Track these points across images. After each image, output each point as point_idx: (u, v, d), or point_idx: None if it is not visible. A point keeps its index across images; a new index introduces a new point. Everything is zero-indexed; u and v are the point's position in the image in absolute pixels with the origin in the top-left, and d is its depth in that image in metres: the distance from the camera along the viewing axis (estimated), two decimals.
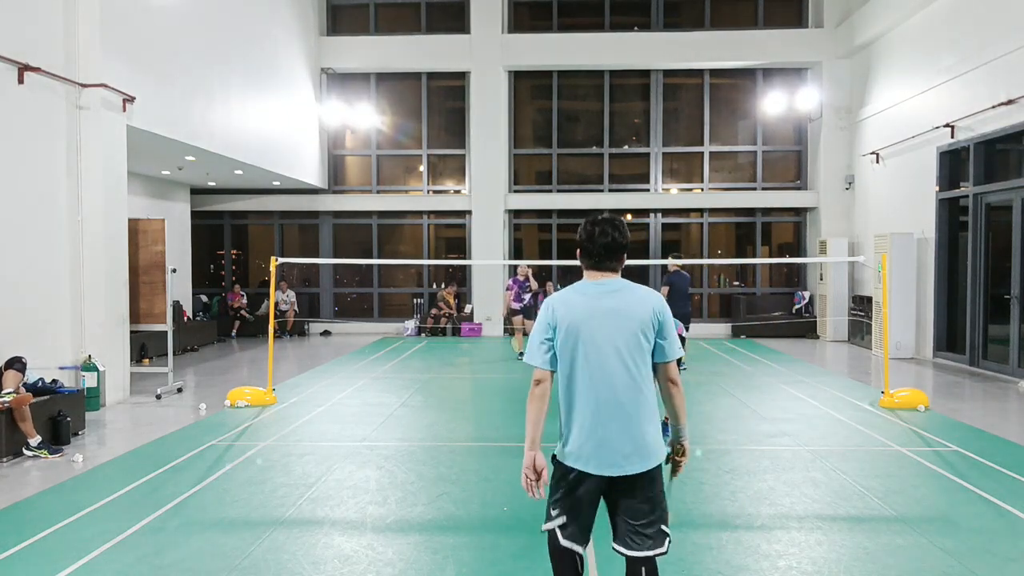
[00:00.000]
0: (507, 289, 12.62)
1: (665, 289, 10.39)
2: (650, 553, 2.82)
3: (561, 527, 2.91)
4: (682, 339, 10.14)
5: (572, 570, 2.91)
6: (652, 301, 2.92)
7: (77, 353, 8.37)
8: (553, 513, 2.94)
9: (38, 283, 7.84)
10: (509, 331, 15.38)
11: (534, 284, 12.47)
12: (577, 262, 3.10)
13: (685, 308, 10.27)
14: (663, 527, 2.87)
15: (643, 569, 2.82)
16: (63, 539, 4.51)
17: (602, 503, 2.96)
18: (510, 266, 12.72)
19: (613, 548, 2.90)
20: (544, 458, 2.94)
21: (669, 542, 2.88)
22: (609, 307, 2.89)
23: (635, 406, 2.84)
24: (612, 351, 2.85)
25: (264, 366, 10.54)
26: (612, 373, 2.84)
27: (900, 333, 12.44)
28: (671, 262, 10.70)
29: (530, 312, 12.51)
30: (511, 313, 12.52)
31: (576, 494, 2.88)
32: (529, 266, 12.49)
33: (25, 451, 6.43)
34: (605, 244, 2.98)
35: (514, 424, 7.68)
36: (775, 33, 15.96)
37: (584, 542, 2.92)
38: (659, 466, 2.89)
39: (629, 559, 2.84)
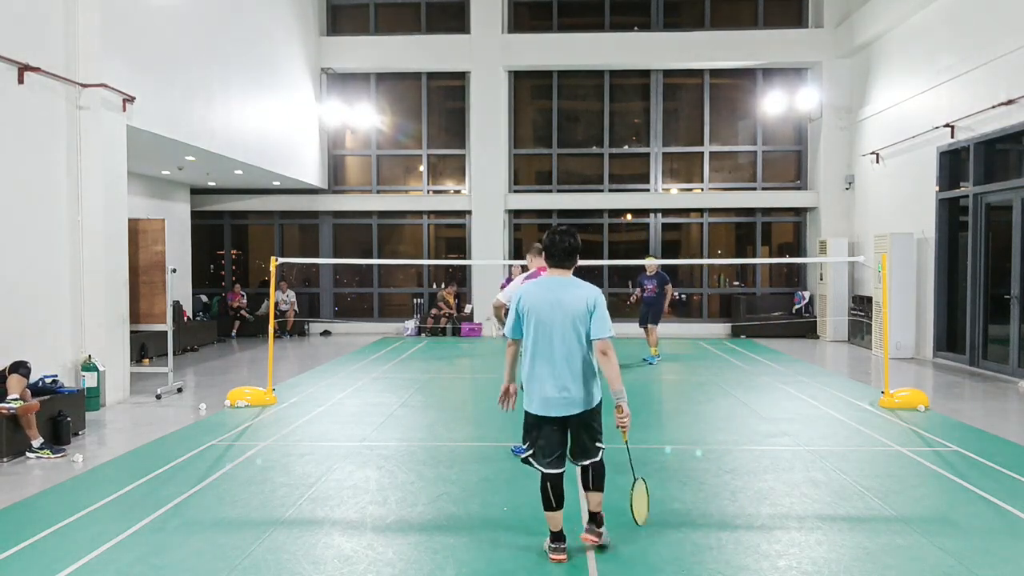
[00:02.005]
0: (502, 288, 12.41)
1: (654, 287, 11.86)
2: (587, 462, 4.20)
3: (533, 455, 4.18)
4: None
5: (557, 487, 4.13)
6: (587, 295, 4.04)
7: (77, 353, 8.37)
8: (524, 445, 4.24)
9: (38, 283, 7.84)
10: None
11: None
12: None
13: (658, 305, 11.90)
14: (598, 445, 4.18)
15: (589, 471, 4.21)
16: (63, 539, 4.51)
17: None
18: (509, 266, 12.68)
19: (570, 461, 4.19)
20: (516, 386, 4.29)
21: (602, 452, 4.20)
22: (557, 298, 4.03)
23: (565, 368, 4.01)
24: (556, 329, 4.02)
25: (264, 366, 10.54)
26: (554, 345, 4.02)
27: (900, 333, 12.43)
28: (651, 263, 12.08)
29: None
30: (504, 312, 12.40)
31: (540, 430, 4.12)
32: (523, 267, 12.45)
33: (28, 453, 6.44)
34: (564, 248, 4.11)
35: (514, 424, 7.65)
36: (775, 33, 15.96)
37: (558, 465, 4.14)
38: (589, 410, 4.08)
39: (580, 467, 4.23)
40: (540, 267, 12.35)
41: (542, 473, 4.12)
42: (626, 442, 4.23)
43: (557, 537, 4.16)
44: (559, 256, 4.11)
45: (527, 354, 4.10)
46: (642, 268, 12.28)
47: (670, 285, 12.10)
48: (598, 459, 4.18)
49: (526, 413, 4.17)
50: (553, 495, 4.11)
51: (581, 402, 4.03)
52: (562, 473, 4.13)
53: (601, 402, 4.14)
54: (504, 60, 16.27)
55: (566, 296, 4.02)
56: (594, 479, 4.20)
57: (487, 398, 9.61)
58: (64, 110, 8.20)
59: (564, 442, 4.14)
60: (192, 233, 16.02)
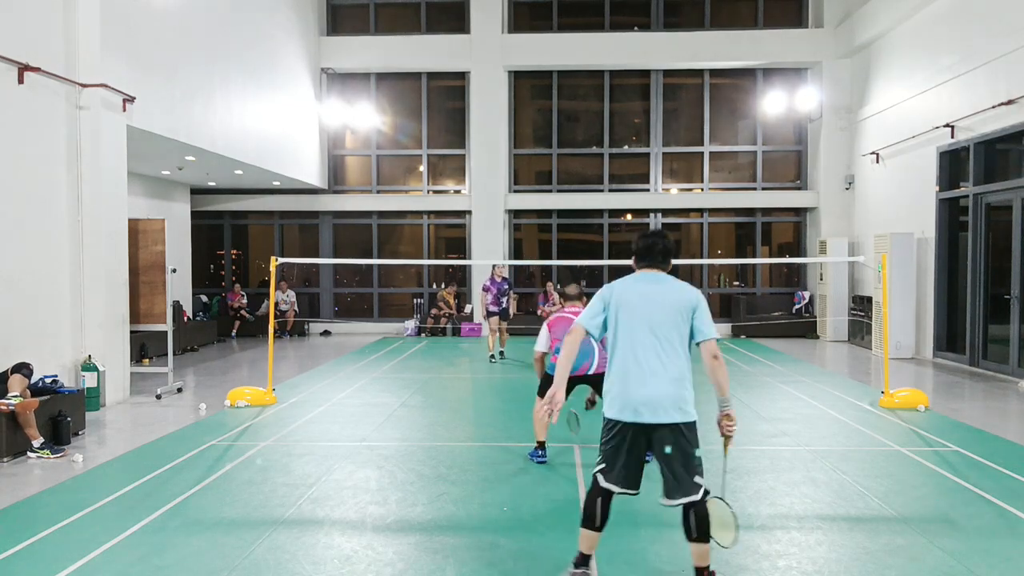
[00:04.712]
0: (484, 290, 12.40)
1: None
2: (685, 500, 3.52)
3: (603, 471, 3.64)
4: None
5: (607, 504, 3.64)
6: (690, 291, 3.66)
7: (77, 353, 8.37)
8: (599, 458, 3.69)
9: (38, 283, 7.84)
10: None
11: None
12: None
13: None
14: (697, 481, 3.53)
15: (691, 516, 3.54)
16: (63, 539, 4.51)
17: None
18: (493, 265, 12.68)
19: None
20: (563, 395, 3.63)
21: (704, 492, 3.54)
22: (656, 292, 3.65)
23: (660, 368, 3.55)
24: (653, 325, 3.59)
25: (264, 366, 10.54)
26: (648, 342, 3.57)
27: (900, 333, 12.43)
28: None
29: (506, 314, 12.46)
30: (488, 315, 12.37)
31: (619, 439, 3.58)
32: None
33: (29, 453, 6.44)
34: (662, 250, 3.77)
35: (514, 424, 7.68)
36: (775, 33, 15.96)
37: (625, 484, 3.59)
38: (685, 424, 3.52)
39: (677, 508, 3.57)
40: (499, 275, 12.43)
41: (598, 486, 3.63)
42: (726, 455, 3.74)
43: (584, 560, 3.71)
44: (658, 257, 3.75)
45: (614, 353, 3.65)
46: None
47: None
48: (699, 498, 3.51)
49: (606, 419, 3.65)
50: (601, 511, 3.62)
51: (675, 409, 3.51)
52: (618, 495, 3.64)
53: (696, 423, 3.59)
54: (504, 60, 16.28)
55: (666, 291, 3.65)
56: (698, 526, 3.51)
57: (487, 398, 9.62)
58: (64, 110, 8.20)
59: (642, 459, 3.63)
60: (192, 233, 16.02)
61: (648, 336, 3.57)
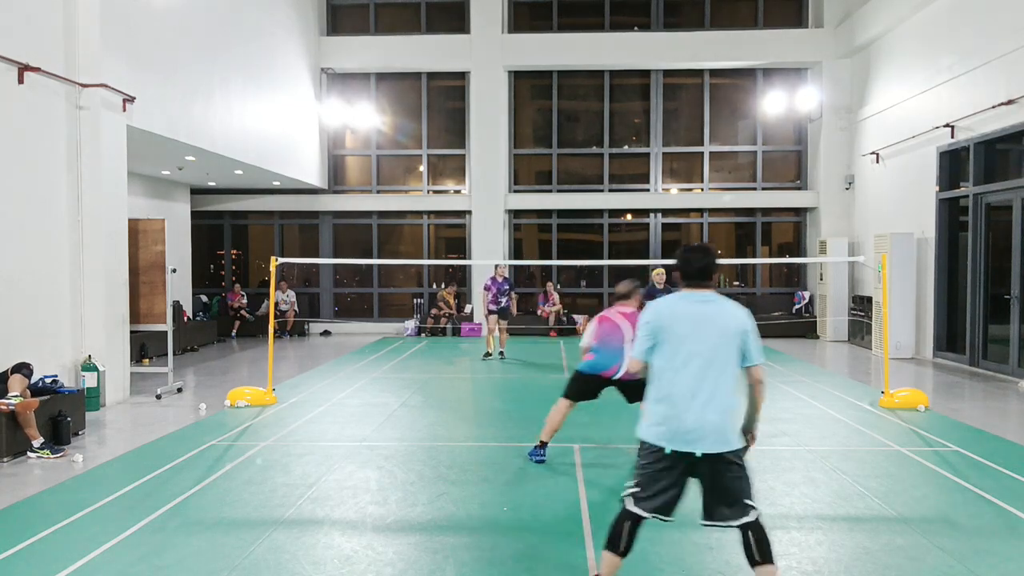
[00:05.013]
0: (485, 289, 12.52)
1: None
2: (738, 522, 3.40)
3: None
4: None
5: (635, 529, 3.50)
6: (741, 312, 3.52)
7: (77, 353, 8.37)
8: (633, 482, 3.55)
9: (38, 283, 7.84)
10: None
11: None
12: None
13: None
14: (748, 503, 3.41)
15: (750, 536, 3.42)
16: (63, 539, 4.51)
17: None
18: (496, 265, 12.70)
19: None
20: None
21: (758, 515, 3.41)
22: (705, 313, 3.48)
23: (712, 394, 3.41)
24: (704, 348, 3.43)
25: (264, 366, 10.54)
26: (698, 366, 3.41)
27: (900, 333, 12.43)
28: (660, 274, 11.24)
29: (505, 313, 12.51)
30: (488, 313, 12.48)
31: (662, 469, 3.43)
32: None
33: (29, 453, 6.44)
34: (699, 268, 3.59)
35: (514, 424, 7.68)
36: (775, 33, 15.96)
37: (660, 511, 3.46)
38: (735, 451, 3.40)
39: (736, 529, 3.45)
40: (500, 274, 12.43)
41: (626, 511, 3.49)
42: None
43: None
44: (694, 275, 3.58)
45: (660, 375, 3.48)
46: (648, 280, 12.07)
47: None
48: (754, 519, 3.39)
49: (645, 444, 3.49)
50: (628, 535, 3.47)
51: (727, 438, 3.39)
52: (642, 521, 3.52)
53: (743, 447, 3.50)
54: (504, 60, 16.27)
55: (717, 313, 3.47)
56: (758, 545, 3.37)
57: (487, 398, 9.62)
58: (64, 110, 8.20)
59: (683, 488, 3.49)
60: (192, 233, 16.02)
61: (698, 360, 3.41)
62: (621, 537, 3.48)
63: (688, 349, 3.42)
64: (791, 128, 16.66)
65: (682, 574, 3.99)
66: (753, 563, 3.43)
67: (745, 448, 3.53)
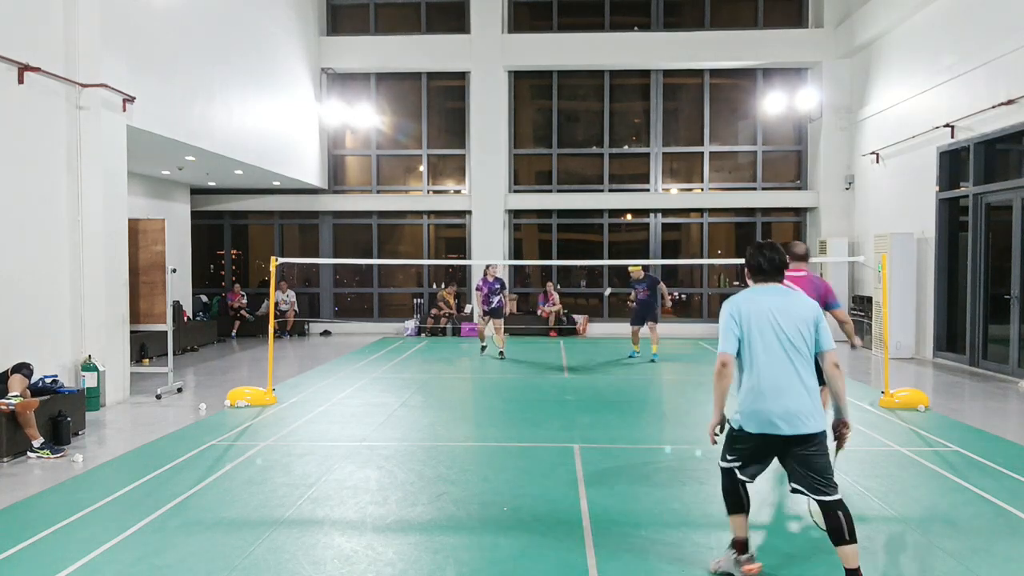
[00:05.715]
0: (476, 290, 12.76)
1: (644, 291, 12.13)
2: (826, 499, 3.67)
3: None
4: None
5: (745, 487, 3.92)
6: (812, 302, 3.85)
7: (77, 353, 8.37)
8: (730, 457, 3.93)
9: (38, 283, 7.84)
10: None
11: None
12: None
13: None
14: (833, 482, 3.69)
15: (839, 517, 3.64)
16: (63, 539, 4.51)
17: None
18: (487, 266, 12.76)
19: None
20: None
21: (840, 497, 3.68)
22: (782, 304, 3.82)
23: (796, 380, 3.69)
24: (784, 338, 3.74)
25: (264, 366, 10.54)
26: (781, 355, 3.72)
27: (900, 333, 12.44)
28: (636, 269, 12.44)
29: (498, 312, 12.61)
30: (483, 315, 12.72)
31: (754, 452, 3.82)
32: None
33: (29, 453, 6.45)
34: (778, 265, 3.99)
35: (514, 424, 7.68)
36: (775, 33, 15.96)
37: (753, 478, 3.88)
38: (819, 434, 3.67)
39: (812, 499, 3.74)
40: (491, 275, 12.56)
41: (736, 477, 3.89)
42: (836, 458, 3.84)
43: (744, 546, 3.93)
44: (769, 271, 3.98)
45: (747, 368, 3.78)
46: (627, 275, 12.78)
47: (662, 284, 12.49)
48: (838, 498, 3.65)
49: (737, 433, 3.83)
50: (744, 494, 3.91)
51: (811, 420, 3.65)
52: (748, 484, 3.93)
53: (827, 432, 3.73)
54: (504, 60, 16.28)
55: (792, 304, 3.80)
56: (848, 523, 3.60)
57: (487, 398, 9.61)
58: (64, 110, 8.19)
59: (769, 462, 3.88)
60: (192, 233, 16.02)
61: (781, 350, 3.72)
62: (741, 496, 3.90)
63: (772, 340, 3.73)
64: (791, 128, 16.66)
65: (682, 574, 3.98)
66: (840, 542, 3.63)
67: (842, 439, 3.79)
